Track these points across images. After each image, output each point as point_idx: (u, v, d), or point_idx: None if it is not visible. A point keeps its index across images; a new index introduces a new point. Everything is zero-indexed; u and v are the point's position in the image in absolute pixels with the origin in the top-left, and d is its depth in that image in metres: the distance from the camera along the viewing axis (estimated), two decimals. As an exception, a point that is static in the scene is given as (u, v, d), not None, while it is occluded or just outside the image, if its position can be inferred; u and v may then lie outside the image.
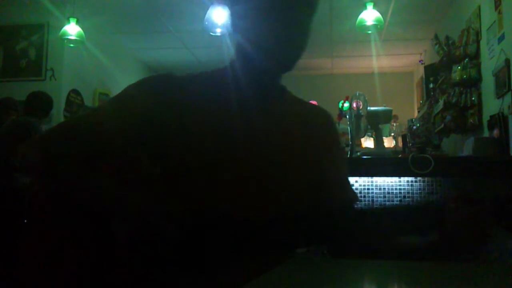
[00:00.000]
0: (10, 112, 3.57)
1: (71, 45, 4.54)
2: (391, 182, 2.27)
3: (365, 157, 2.50)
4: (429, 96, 5.13)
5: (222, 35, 3.74)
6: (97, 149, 0.87)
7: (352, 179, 2.29)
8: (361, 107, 2.64)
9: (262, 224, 0.84)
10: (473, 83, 3.65)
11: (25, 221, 0.91)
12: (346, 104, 3.19)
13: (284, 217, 0.86)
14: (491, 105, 3.32)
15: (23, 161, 0.89)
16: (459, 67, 3.73)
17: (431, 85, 5.02)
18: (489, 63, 3.35)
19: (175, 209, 0.82)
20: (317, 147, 0.98)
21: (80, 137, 0.87)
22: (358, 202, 1.01)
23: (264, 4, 0.89)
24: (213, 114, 0.91)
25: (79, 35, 4.38)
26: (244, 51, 0.93)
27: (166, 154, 0.88)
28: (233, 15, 0.95)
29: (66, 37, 4.37)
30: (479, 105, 3.57)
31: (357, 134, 2.76)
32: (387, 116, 2.81)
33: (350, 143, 2.84)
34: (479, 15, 3.63)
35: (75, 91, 5.04)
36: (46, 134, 0.91)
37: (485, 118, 3.41)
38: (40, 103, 3.51)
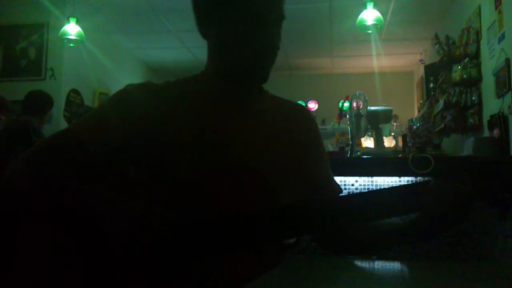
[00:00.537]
0: (2, 111, 3.57)
1: (71, 44, 4.54)
2: (391, 181, 2.26)
3: (365, 156, 2.50)
4: (429, 96, 5.13)
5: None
6: (84, 158, 0.88)
7: (352, 179, 2.29)
8: (361, 107, 2.64)
9: (252, 219, 0.84)
10: (473, 82, 3.65)
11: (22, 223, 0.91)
12: (346, 104, 3.19)
13: (271, 208, 0.87)
14: (491, 105, 3.32)
15: (9, 181, 0.89)
16: (459, 67, 3.73)
17: (431, 85, 5.02)
18: (489, 63, 3.35)
19: (163, 212, 0.83)
20: (300, 142, 1.01)
21: (67, 149, 0.88)
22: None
23: (236, 22, 0.90)
24: (194, 119, 0.92)
25: (79, 35, 4.38)
26: (217, 65, 0.97)
27: (151, 160, 0.89)
28: (202, 26, 1.00)
29: (66, 36, 4.38)
30: (479, 105, 3.57)
31: (357, 134, 2.76)
32: (387, 116, 2.81)
33: (350, 142, 2.84)
34: (479, 15, 3.62)
35: (75, 91, 5.04)
36: (33, 149, 0.91)
37: (485, 118, 3.41)
38: (38, 102, 3.50)
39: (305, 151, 1.01)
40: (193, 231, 0.82)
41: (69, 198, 0.84)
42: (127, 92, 0.95)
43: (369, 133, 3.29)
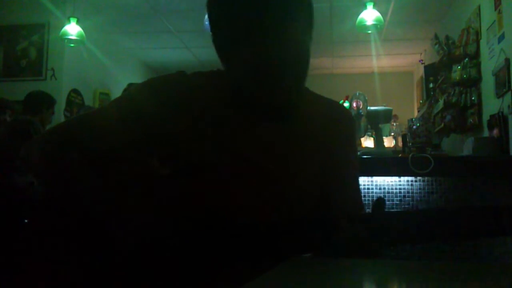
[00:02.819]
0: (6, 112, 3.58)
1: (72, 45, 4.55)
2: (391, 181, 2.27)
3: (365, 156, 2.50)
4: (429, 96, 5.14)
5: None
6: (101, 148, 0.85)
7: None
8: (361, 107, 2.65)
9: (267, 227, 0.82)
10: (473, 82, 3.65)
11: (26, 221, 0.91)
12: (346, 104, 3.19)
13: (289, 221, 0.84)
14: (491, 105, 3.32)
15: (24, 161, 0.88)
16: (459, 67, 3.73)
17: (431, 85, 5.03)
18: (489, 63, 3.36)
19: (182, 210, 0.82)
20: (329, 152, 0.93)
21: (84, 137, 0.86)
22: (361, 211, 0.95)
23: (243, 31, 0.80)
24: (222, 115, 0.88)
25: (79, 35, 4.38)
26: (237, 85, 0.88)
27: (174, 155, 0.86)
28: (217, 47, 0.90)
29: (67, 37, 4.38)
30: (479, 105, 3.57)
31: (357, 134, 2.76)
32: (387, 116, 2.81)
33: (350, 142, 2.84)
34: (479, 15, 3.63)
35: (75, 91, 5.05)
36: (48, 133, 0.90)
37: (485, 117, 3.41)
38: (36, 101, 3.51)
39: (329, 164, 0.93)
40: (206, 236, 0.80)
41: (81, 189, 0.83)
42: (155, 84, 0.91)
43: (369, 133, 3.29)
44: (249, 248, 0.80)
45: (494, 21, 3.25)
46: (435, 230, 0.78)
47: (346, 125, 0.99)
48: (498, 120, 3.03)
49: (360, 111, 2.66)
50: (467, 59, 3.68)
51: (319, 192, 0.91)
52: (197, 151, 0.85)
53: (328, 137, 0.94)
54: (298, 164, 0.90)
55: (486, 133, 3.35)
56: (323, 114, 0.96)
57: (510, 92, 2.95)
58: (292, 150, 0.90)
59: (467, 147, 3.00)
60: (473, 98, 3.62)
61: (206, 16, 0.93)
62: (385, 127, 4.35)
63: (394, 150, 3.97)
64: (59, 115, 4.62)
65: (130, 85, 3.54)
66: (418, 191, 2.25)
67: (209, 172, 0.84)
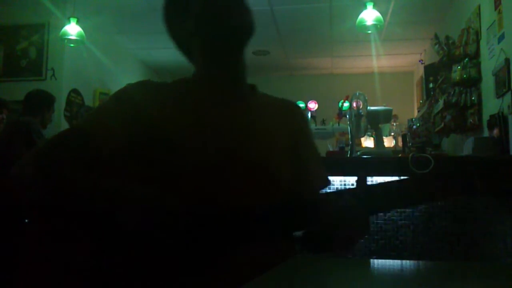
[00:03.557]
0: (3, 111, 3.58)
1: (72, 45, 4.55)
2: (391, 181, 2.27)
3: (365, 156, 2.51)
4: (429, 96, 5.14)
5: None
6: (92, 161, 0.89)
7: (352, 179, 2.30)
8: (361, 107, 2.65)
9: (246, 216, 0.85)
10: (473, 82, 3.65)
11: (26, 221, 0.91)
12: (346, 104, 3.20)
13: (265, 206, 0.88)
14: (491, 105, 3.32)
15: (17, 177, 0.89)
16: (459, 67, 3.73)
17: (431, 85, 5.02)
18: (489, 63, 3.36)
19: (164, 210, 0.83)
20: (290, 138, 1.05)
21: (75, 144, 0.89)
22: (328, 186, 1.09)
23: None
24: (189, 117, 0.95)
25: (79, 35, 4.38)
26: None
27: (150, 158, 0.91)
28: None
29: (67, 37, 4.38)
30: (479, 105, 3.57)
31: (357, 134, 2.76)
32: (387, 116, 2.81)
33: (350, 142, 2.85)
34: (479, 15, 3.63)
35: (75, 91, 5.05)
36: (37, 151, 0.92)
37: (485, 117, 3.41)
38: (35, 101, 3.49)
39: (296, 146, 1.05)
40: (189, 233, 0.82)
41: (79, 194, 0.85)
42: (126, 91, 0.98)
43: (369, 133, 3.30)
44: (240, 233, 0.84)
45: (494, 21, 3.25)
46: (413, 194, 0.89)
47: (300, 114, 1.14)
48: (498, 120, 3.03)
49: (360, 111, 2.66)
50: (467, 59, 3.68)
51: (290, 172, 1.01)
52: (171, 150, 0.90)
53: (286, 124, 1.07)
54: (267, 148, 0.99)
55: (486, 133, 3.35)
56: (279, 106, 1.11)
57: (510, 92, 2.95)
58: (260, 136, 1.00)
59: (467, 147, 3.00)
60: (473, 98, 3.62)
61: None
62: (385, 127, 4.36)
63: (394, 150, 3.98)
64: (59, 115, 4.63)
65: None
66: (418, 191, 2.24)
67: (185, 168, 0.89)
